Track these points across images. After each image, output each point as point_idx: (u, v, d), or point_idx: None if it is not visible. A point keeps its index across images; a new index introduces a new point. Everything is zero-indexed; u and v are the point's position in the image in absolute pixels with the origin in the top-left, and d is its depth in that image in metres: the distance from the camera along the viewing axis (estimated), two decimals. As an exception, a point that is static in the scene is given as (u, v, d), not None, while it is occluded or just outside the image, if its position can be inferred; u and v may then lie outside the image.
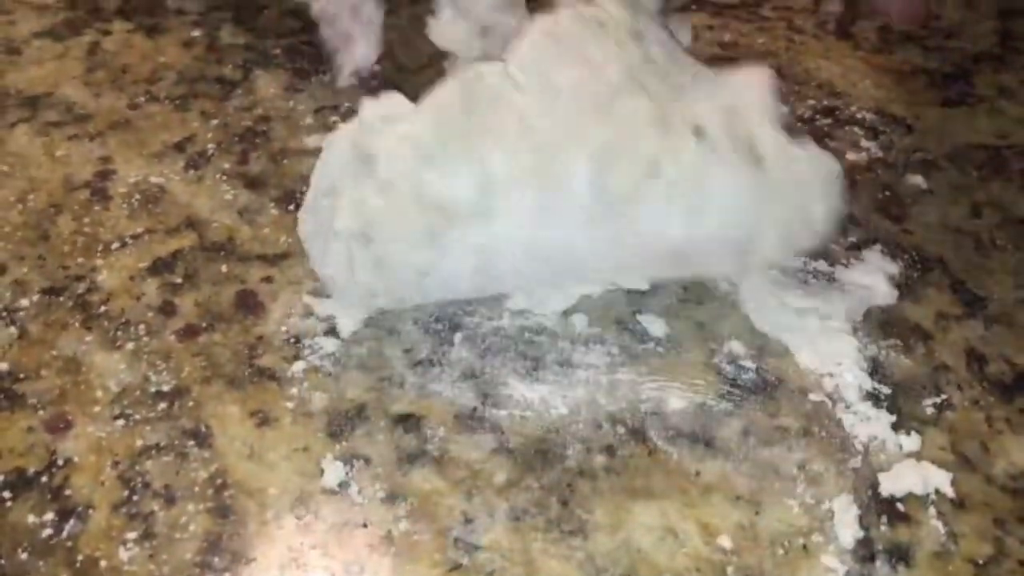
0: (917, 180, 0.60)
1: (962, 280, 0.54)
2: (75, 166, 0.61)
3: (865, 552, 0.42)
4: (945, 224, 0.57)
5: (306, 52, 0.71)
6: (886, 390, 0.48)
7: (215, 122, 0.64)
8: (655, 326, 0.50)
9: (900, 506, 0.43)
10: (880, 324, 0.51)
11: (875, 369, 0.49)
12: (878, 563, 0.41)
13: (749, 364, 0.49)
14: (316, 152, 0.61)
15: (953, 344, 0.50)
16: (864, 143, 0.63)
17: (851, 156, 0.62)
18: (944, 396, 0.48)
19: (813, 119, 0.65)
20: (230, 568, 0.41)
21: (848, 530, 0.42)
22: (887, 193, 0.59)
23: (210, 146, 0.62)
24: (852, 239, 0.56)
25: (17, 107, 0.66)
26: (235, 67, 0.70)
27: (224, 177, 0.60)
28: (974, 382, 0.49)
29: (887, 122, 0.65)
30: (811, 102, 0.67)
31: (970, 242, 0.56)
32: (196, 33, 0.74)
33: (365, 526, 0.42)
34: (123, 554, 0.41)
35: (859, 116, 0.65)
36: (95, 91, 0.67)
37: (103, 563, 0.41)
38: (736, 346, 0.50)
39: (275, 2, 0.75)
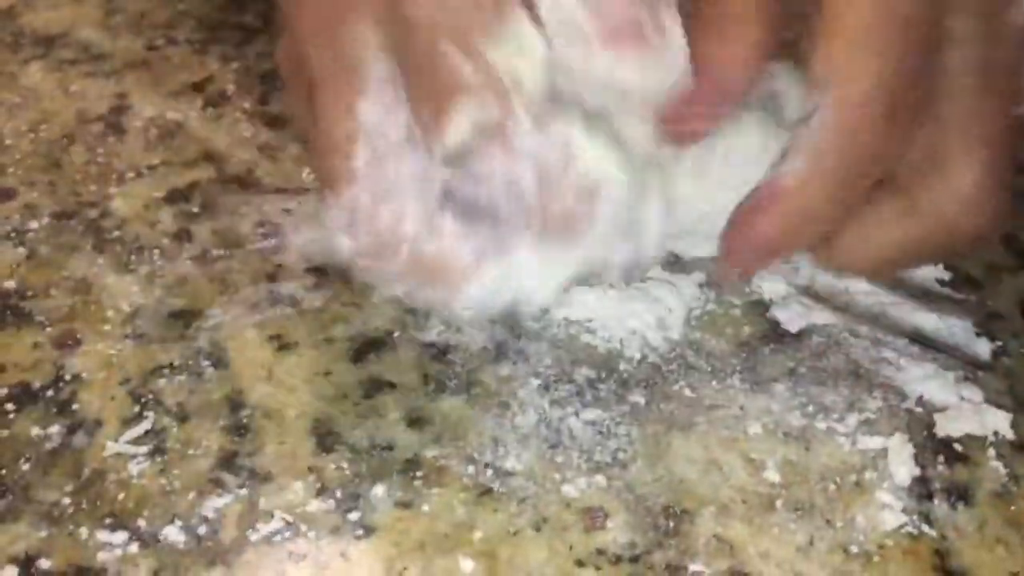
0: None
1: (1013, 233, 0.52)
2: (90, 101, 0.59)
3: (922, 490, 0.39)
4: (992, 182, 0.55)
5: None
6: (938, 334, 0.46)
7: (235, 65, 0.62)
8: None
9: (958, 446, 0.41)
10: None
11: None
12: (936, 501, 0.39)
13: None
14: (340, 96, 0.59)
15: (1005, 294, 0.48)
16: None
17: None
18: (999, 343, 0.45)
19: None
20: (246, 484, 0.38)
21: (903, 468, 0.40)
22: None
23: (230, 87, 0.60)
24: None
25: (31, 45, 0.64)
26: (257, 15, 0.68)
27: (244, 116, 0.58)
28: (1029, 330, 0.46)
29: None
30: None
31: (1018, 198, 0.54)
32: (217, -16, 0.72)
33: (391, 448, 0.40)
34: (133, 468, 0.39)
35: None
36: (112, 33, 0.65)
37: (111, 475, 0.39)
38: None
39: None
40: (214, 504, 0.38)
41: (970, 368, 0.44)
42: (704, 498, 0.39)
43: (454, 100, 0.34)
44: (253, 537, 0.37)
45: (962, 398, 0.42)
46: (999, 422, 0.42)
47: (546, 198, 0.36)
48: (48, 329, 0.44)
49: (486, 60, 0.34)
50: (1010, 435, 0.41)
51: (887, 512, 0.38)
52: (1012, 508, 0.39)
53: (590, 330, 0.45)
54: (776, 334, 0.45)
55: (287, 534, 0.37)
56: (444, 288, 0.38)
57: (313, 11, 0.36)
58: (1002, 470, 0.40)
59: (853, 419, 0.41)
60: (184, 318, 0.45)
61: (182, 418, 0.41)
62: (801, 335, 0.45)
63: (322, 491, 0.38)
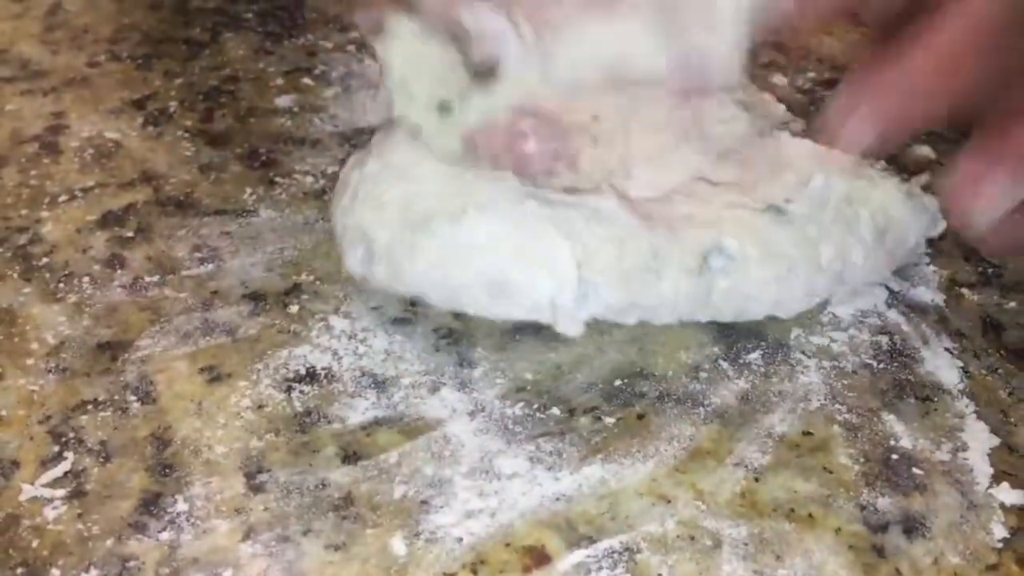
0: (924, 151, 0.57)
1: (975, 248, 0.50)
2: (25, 120, 0.57)
3: (878, 520, 0.37)
4: (955, 193, 0.54)
5: (280, 16, 0.67)
6: (897, 355, 0.44)
7: (179, 81, 0.61)
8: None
9: (917, 471, 0.39)
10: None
11: (884, 334, 0.45)
12: (891, 533, 0.37)
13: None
14: (287, 112, 0.57)
15: (967, 312, 0.47)
16: (867, 114, 0.60)
17: (854, 126, 0.58)
18: (960, 364, 0.44)
19: (812, 91, 0.62)
20: (168, 528, 0.36)
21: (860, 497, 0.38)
22: (893, 164, 0.56)
23: (172, 104, 0.59)
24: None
25: (-32, 63, 0.62)
26: (203, 29, 0.66)
27: (185, 134, 0.56)
28: (991, 350, 0.45)
29: (891, 95, 0.61)
30: (811, 75, 0.63)
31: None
32: (164, -4, 0.70)
33: (324, 487, 0.38)
34: (49, 512, 0.37)
35: None
36: (52, 49, 0.63)
37: (25, 521, 0.37)
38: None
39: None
40: (134, 550, 0.36)
41: (929, 391, 0.42)
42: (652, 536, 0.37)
43: None
44: (173, 585, 0.35)
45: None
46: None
47: None
48: (-32, 364, 0.42)
49: None
50: (970, 462, 0.40)
51: (840, 547, 0.37)
52: (969, 540, 0.37)
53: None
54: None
55: (210, 581, 0.35)
56: None
57: None
58: (961, 499, 0.38)
59: (807, 446, 0.40)
60: (112, 350, 0.43)
61: (104, 458, 0.39)
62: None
63: (250, 534, 0.36)
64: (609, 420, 0.41)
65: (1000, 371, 0.44)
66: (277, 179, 0.53)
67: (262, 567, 0.35)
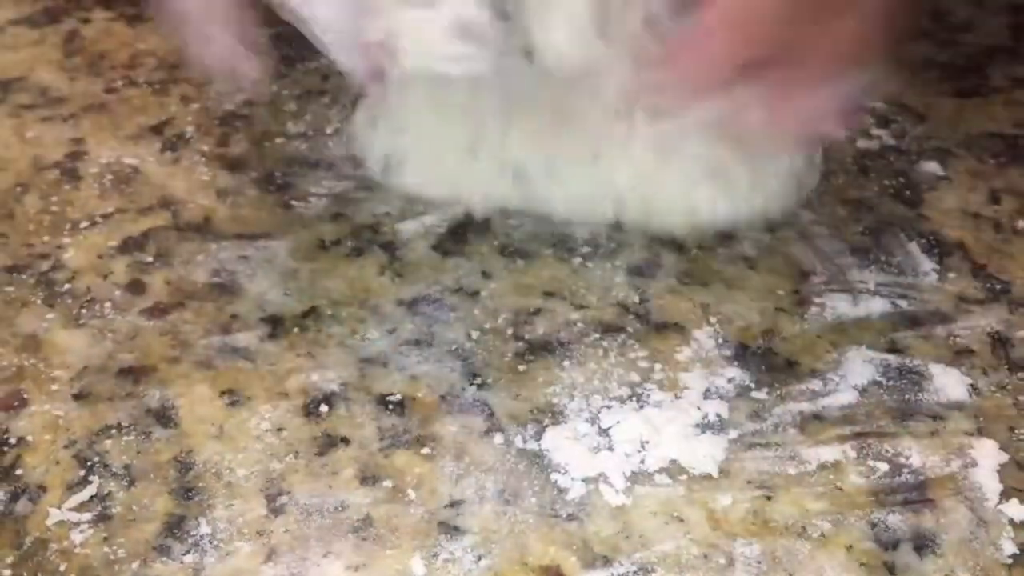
0: (932, 167, 0.57)
1: (983, 264, 0.51)
2: (46, 147, 0.58)
3: (888, 538, 0.38)
4: (963, 210, 0.54)
5: (293, 40, 0.68)
6: (906, 373, 0.45)
7: (195, 106, 0.62)
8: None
9: (926, 488, 0.40)
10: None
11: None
12: (901, 550, 0.38)
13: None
14: (300, 136, 0.58)
15: (976, 328, 0.47)
16: (875, 131, 0.60)
17: (861, 143, 0.59)
18: (969, 380, 0.44)
19: (821, 108, 0.62)
20: (192, 551, 0.37)
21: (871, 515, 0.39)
22: (901, 179, 0.56)
23: (189, 129, 0.59)
24: (864, 224, 0.53)
25: (-11, 90, 0.63)
26: (218, 54, 0.67)
27: (202, 159, 0.57)
28: (1000, 366, 0.45)
29: (898, 111, 0.62)
30: (818, 92, 0.64)
31: (990, 227, 0.53)
32: (179, 22, 0.71)
33: (343, 508, 0.39)
34: (76, 536, 0.38)
35: (869, 105, 0.63)
36: (71, 75, 0.64)
37: (53, 545, 0.37)
38: (744, 327, 0.46)
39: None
40: (159, 573, 0.37)
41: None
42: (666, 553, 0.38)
43: None
44: (198, 607, 0.36)
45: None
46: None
47: None
48: (-6, 390, 0.43)
49: None
50: (979, 478, 0.40)
51: (852, 564, 0.37)
52: (979, 556, 0.38)
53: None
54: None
55: (233, 603, 0.36)
56: None
57: None
58: (971, 516, 0.39)
59: (817, 463, 0.40)
60: (134, 375, 0.44)
61: (128, 482, 0.40)
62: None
63: (271, 556, 0.37)
64: (623, 440, 0.41)
65: (1008, 387, 0.44)
66: (293, 202, 0.54)
67: (284, 589, 0.36)
